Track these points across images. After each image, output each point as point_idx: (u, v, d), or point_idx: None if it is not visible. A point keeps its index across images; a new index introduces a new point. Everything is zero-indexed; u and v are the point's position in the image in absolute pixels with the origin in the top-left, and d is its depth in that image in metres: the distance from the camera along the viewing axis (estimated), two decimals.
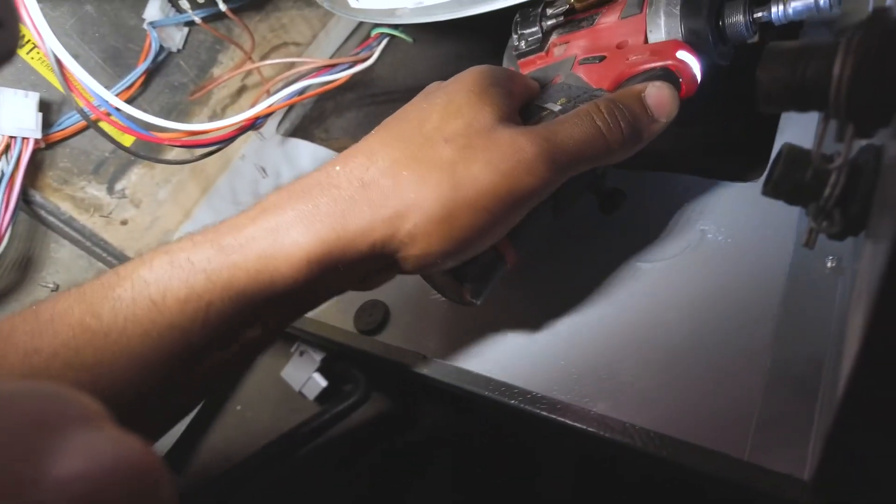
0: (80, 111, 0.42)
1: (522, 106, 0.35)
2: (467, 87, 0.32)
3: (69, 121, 0.50)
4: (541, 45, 0.41)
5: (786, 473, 0.29)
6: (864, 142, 0.24)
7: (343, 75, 0.46)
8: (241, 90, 0.64)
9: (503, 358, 0.38)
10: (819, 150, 0.22)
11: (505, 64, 0.43)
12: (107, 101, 0.40)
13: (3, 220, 0.44)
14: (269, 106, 0.43)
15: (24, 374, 0.27)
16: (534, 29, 0.40)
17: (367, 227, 0.29)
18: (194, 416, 0.65)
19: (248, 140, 0.66)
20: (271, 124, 0.65)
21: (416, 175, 0.29)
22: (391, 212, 0.29)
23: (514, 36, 0.42)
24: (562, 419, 0.34)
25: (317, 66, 0.47)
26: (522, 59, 0.42)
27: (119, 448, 0.15)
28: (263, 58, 0.64)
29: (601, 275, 0.39)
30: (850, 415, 0.19)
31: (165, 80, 0.58)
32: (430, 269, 0.32)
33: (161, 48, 0.56)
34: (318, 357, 0.76)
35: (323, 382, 0.79)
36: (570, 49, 0.39)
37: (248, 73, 0.63)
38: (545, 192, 0.31)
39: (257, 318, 0.30)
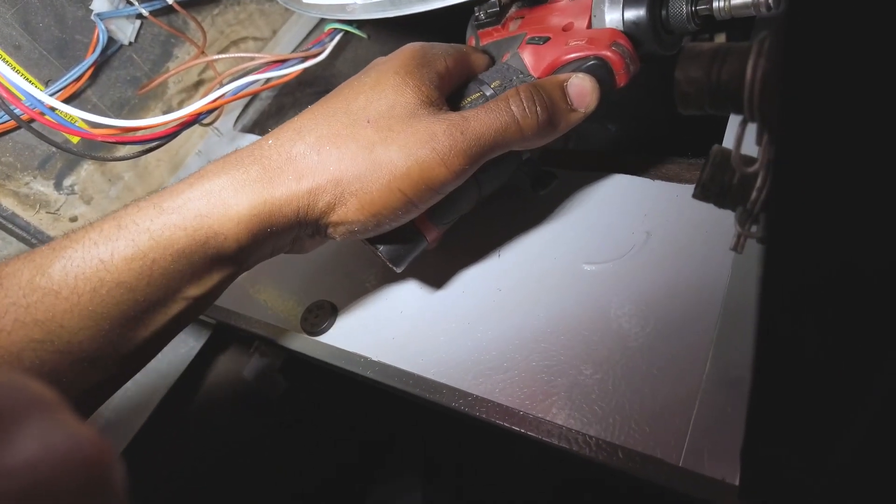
0: (8, 110, 0.41)
1: (462, 82, 0.37)
2: (395, 67, 0.34)
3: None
4: (497, 17, 0.41)
5: (718, 479, 0.28)
6: None
7: (293, 70, 0.45)
8: (198, 84, 0.63)
9: (448, 359, 0.38)
10: (738, 153, 0.21)
11: (468, 33, 0.43)
12: (40, 102, 0.39)
13: None
14: (212, 101, 0.41)
15: None
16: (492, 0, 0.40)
17: (292, 196, 0.32)
18: (150, 415, 0.64)
19: (206, 136, 0.64)
20: (228, 120, 0.63)
21: (337, 151, 0.32)
22: (312, 183, 0.32)
23: (476, 6, 0.41)
24: (501, 422, 0.34)
25: (266, 62, 0.46)
26: (481, 30, 0.41)
27: (73, 437, 0.15)
28: (220, 52, 0.63)
29: (546, 277, 0.38)
30: (758, 420, 0.19)
31: (117, 73, 0.56)
32: (351, 237, 0.34)
33: (112, 41, 0.54)
34: (279, 355, 0.75)
35: (284, 383, 0.78)
36: (523, 25, 0.39)
37: (205, 67, 0.61)
38: (459, 180, 0.33)
39: (198, 275, 0.32)
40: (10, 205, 0.52)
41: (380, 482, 0.85)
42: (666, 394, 0.32)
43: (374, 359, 0.39)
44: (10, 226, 0.51)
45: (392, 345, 0.40)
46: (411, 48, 0.35)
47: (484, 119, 0.32)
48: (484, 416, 0.34)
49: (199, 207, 0.31)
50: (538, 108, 0.33)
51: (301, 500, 0.79)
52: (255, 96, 0.67)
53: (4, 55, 0.49)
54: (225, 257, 0.32)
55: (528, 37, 0.37)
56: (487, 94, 0.36)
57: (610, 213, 0.39)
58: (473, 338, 0.38)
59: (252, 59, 0.46)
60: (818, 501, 0.23)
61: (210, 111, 0.42)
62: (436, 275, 0.42)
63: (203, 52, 0.52)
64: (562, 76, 0.34)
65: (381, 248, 0.36)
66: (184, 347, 0.66)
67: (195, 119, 0.42)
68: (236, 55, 0.50)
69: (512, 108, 0.33)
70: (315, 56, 0.46)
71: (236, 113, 0.64)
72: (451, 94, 0.36)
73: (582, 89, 0.34)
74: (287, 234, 0.33)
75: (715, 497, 0.29)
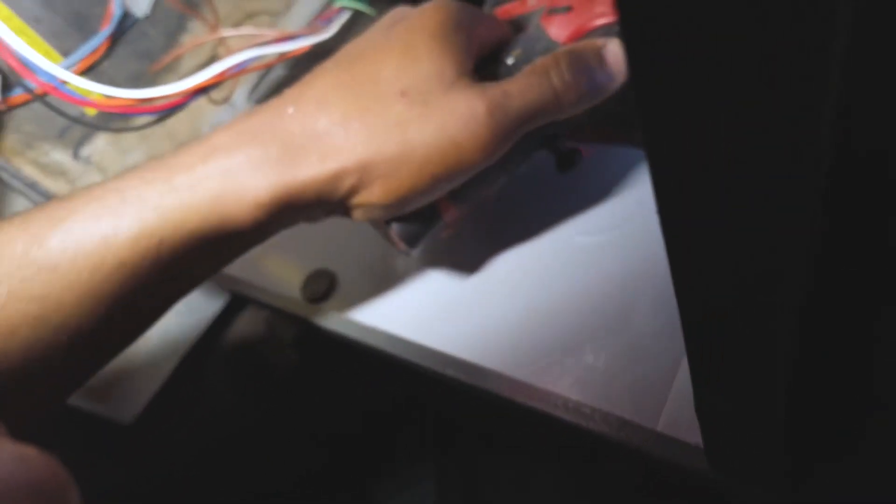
0: (22, 84, 0.42)
1: (485, 52, 0.34)
2: (429, 31, 0.31)
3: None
4: None
5: (693, 444, 0.29)
6: None
7: (299, 46, 0.46)
8: (213, 59, 0.64)
9: (442, 327, 0.39)
10: None
11: (485, 10, 0.42)
12: (53, 76, 0.40)
13: None
14: (214, 76, 0.43)
15: None
16: None
17: (314, 178, 0.30)
18: (156, 394, 0.63)
19: (220, 109, 0.66)
20: (242, 93, 0.65)
21: (367, 130, 0.30)
22: (337, 166, 0.30)
23: None
24: (478, 384, 0.35)
25: (274, 38, 0.47)
26: (498, 7, 0.39)
27: (23, 464, 0.15)
28: (234, 26, 0.64)
29: (540, 248, 0.39)
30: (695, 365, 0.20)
31: (132, 47, 0.58)
32: (372, 218, 0.33)
33: (127, 14, 0.56)
34: (290, 329, 0.75)
35: (296, 354, 0.79)
36: None
37: (218, 42, 0.63)
38: (491, 161, 0.31)
39: (207, 254, 0.31)
40: (31, 173, 0.54)
41: (391, 457, 0.85)
42: (652, 359, 0.32)
43: (375, 326, 0.40)
44: (31, 193, 0.54)
45: (391, 312, 0.41)
46: (443, 6, 0.32)
47: (527, 95, 0.30)
48: (468, 379, 0.35)
49: (214, 188, 0.29)
50: (579, 78, 0.31)
51: (310, 473, 0.80)
52: (269, 70, 0.68)
53: (25, 27, 0.50)
54: (239, 237, 0.31)
55: (549, 7, 0.36)
56: (509, 62, 0.34)
57: (604, 184, 0.39)
58: (464, 305, 0.39)
59: (260, 35, 0.47)
60: (782, 458, 0.24)
61: (216, 84, 0.43)
62: (433, 247, 0.42)
63: (212, 27, 0.53)
64: (598, 41, 0.32)
65: (395, 226, 0.34)
66: (196, 315, 0.66)
67: (202, 90, 0.43)
68: (244, 32, 0.51)
69: (553, 80, 0.30)
70: (321, 33, 0.47)
71: (251, 86, 0.65)
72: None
73: (620, 56, 0.32)
74: (304, 213, 0.32)
75: (689, 462, 0.29)
